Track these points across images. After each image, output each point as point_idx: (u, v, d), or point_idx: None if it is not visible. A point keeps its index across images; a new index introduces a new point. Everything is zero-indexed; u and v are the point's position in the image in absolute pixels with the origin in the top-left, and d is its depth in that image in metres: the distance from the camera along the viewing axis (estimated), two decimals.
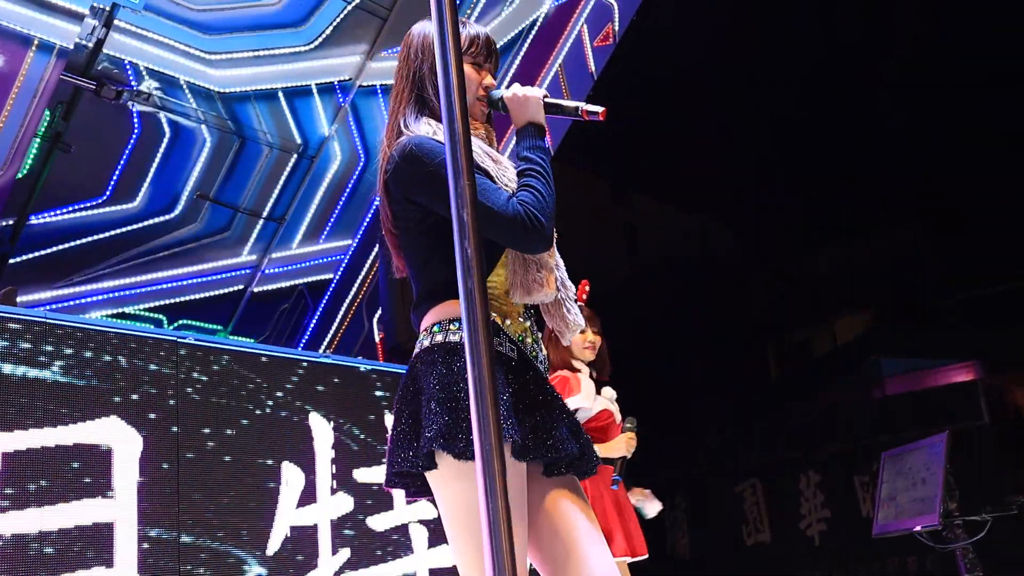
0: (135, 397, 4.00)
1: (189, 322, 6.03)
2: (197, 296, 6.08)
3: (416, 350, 2.08)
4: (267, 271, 6.44)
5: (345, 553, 4.49)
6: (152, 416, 4.03)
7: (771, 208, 12.38)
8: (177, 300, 5.95)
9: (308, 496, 4.41)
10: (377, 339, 6.47)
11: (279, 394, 4.48)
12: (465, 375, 1.94)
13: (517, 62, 7.07)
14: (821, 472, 9.30)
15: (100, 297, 5.65)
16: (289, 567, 4.23)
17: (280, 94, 6.00)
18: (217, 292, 6.22)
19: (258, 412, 4.39)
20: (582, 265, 4.13)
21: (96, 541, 3.72)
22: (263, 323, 6.56)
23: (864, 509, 8.72)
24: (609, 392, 4.07)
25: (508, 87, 2.22)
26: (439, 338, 2.02)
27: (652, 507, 4.19)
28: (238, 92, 5.86)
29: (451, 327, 2.02)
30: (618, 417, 4.03)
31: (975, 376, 10.14)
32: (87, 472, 3.78)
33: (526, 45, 7.01)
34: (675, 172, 11.92)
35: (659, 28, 8.60)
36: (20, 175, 5.14)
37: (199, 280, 6.10)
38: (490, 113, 2.28)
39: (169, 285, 5.96)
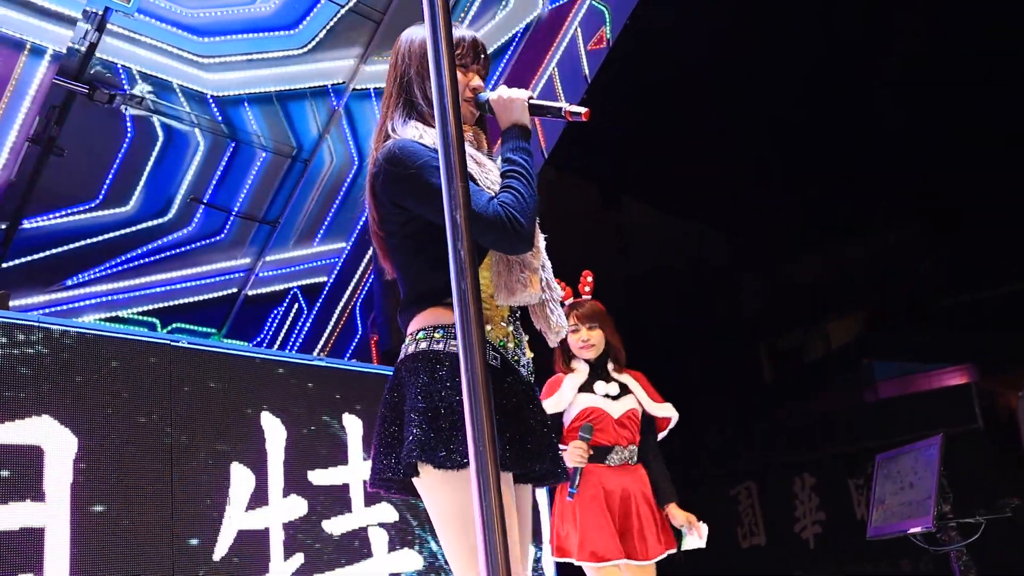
0: (127, 398, 3.99)
1: (183, 325, 6.02)
2: (191, 299, 6.07)
3: (401, 355, 2.09)
4: (261, 274, 6.43)
5: (298, 558, 4.37)
6: (143, 420, 4.02)
7: (764, 211, 12.40)
8: (171, 304, 5.94)
9: (259, 498, 4.27)
10: (372, 342, 6.46)
11: (271, 397, 4.47)
12: (447, 383, 1.98)
13: (511, 65, 7.07)
14: (816, 475, 9.31)
15: (93, 301, 5.64)
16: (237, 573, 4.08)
17: (274, 97, 5.99)
18: (211, 295, 6.21)
19: (249, 411, 4.38)
20: (575, 269, 4.11)
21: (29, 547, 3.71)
22: (257, 326, 6.54)
23: (859, 512, 8.73)
24: (601, 387, 3.85)
25: (495, 89, 2.23)
26: (423, 345, 2.04)
27: (693, 542, 4.00)
28: (231, 95, 5.85)
29: (435, 334, 2.04)
30: (615, 411, 3.83)
31: (969, 379, 10.16)
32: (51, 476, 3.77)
33: (520, 48, 7.01)
34: (668, 175, 11.92)
35: (653, 31, 8.61)
36: (13, 179, 5.12)
37: (193, 283, 6.09)
38: (482, 115, 2.28)
39: (162, 288, 5.94)
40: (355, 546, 4.59)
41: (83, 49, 5.18)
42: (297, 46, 5.93)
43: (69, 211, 5.55)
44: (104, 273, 5.75)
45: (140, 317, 5.84)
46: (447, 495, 1.96)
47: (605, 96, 8.23)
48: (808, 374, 12.54)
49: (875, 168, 11.41)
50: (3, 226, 5.31)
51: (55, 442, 3.71)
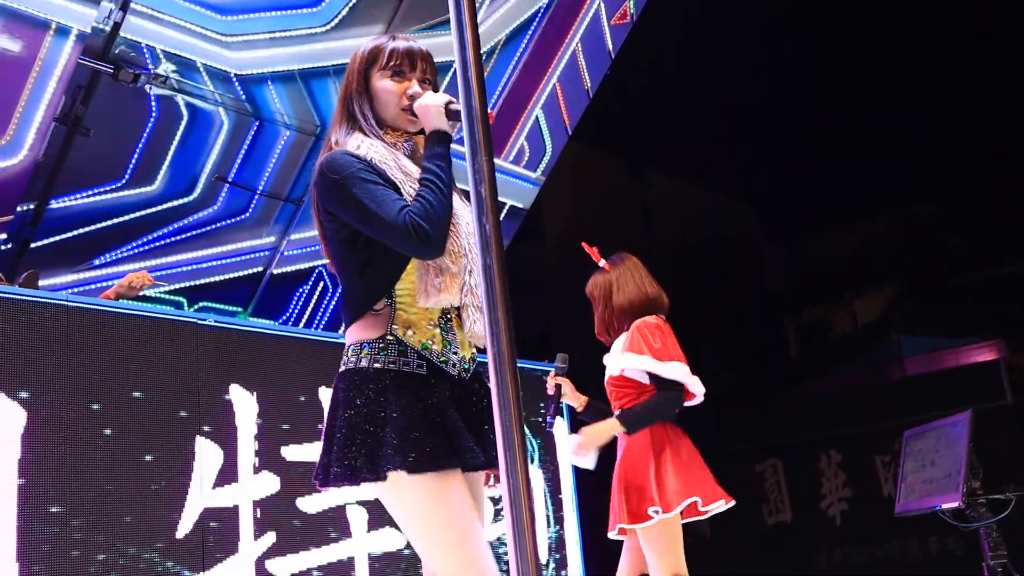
0: (155, 378, 4.03)
1: (209, 304, 6.05)
2: (216, 278, 6.10)
3: (340, 368, 2.21)
4: (286, 253, 6.45)
5: (270, 537, 4.22)
6: (171, 398, 4.06)
7: (791, 184, 12.30)
8: (197, 283, 5.97)
9: (228, 475, 4.11)
10: None
11: (298, 374, 4.49)
12: (373, 400, 2.12)
13: (534, 41, 7.03)
14: (842, 451, 9.26)
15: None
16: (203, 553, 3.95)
17: (297, 75, 5.99)
18: (236, 274, 6.24)
19: (274, 391, 4.40)
20: (599, 243, 4.09)
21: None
22: (283, 305, 6.57)
23: (886, 489, 8.68)
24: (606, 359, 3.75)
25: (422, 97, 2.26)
26: (352, 363, 2.17)
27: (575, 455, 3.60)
28: (255, 74, 5.85)
29: (363, 351, 2.16)
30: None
31: (998, 355, 10.06)
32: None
33: (543, 24, 6.97)
34: (693, 149, 11.85)
35: (676, 3, 8.53)
36: (40, 159, 5.15)
37: (218, 262, 6.12)
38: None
39: (189, 268, 5.97)
40: (332, 525, 4.42)
41: (107, 29, 5.20)
42: (320, 24, 5.92)
43: (96, 191, 5.59)
44: (131, 252, 5.78)
45: (167, 296, 5.88)
46: (400, 499, 2.12)
47: (630, 70, 8.17)
48: (835, 350, 12.47)
49: (904, 141, 11.28)
50: (31, 206, 5.35)
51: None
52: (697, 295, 12.83)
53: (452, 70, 6.53)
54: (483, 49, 3.68)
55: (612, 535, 3.64)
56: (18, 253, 5.31)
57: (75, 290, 5.43)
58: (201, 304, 6.01)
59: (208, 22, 5.55)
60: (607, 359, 3.80)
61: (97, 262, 5.66)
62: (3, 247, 5.24)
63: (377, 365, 2.13)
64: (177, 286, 5.92)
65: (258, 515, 4.18)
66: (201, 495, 4.03)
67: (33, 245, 5.37)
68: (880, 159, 11.52)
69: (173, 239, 5.91)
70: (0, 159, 4.94)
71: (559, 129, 7.51)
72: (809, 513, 9.40)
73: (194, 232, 5.98)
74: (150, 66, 5.46)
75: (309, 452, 4.40)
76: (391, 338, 2.16)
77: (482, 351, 2.16)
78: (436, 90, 2.33)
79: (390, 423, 2.09)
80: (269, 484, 4.27)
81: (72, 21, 4.86)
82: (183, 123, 5.75)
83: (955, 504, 4.31)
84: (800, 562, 9.31)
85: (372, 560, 4.52)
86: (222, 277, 6.16)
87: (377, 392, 2.11)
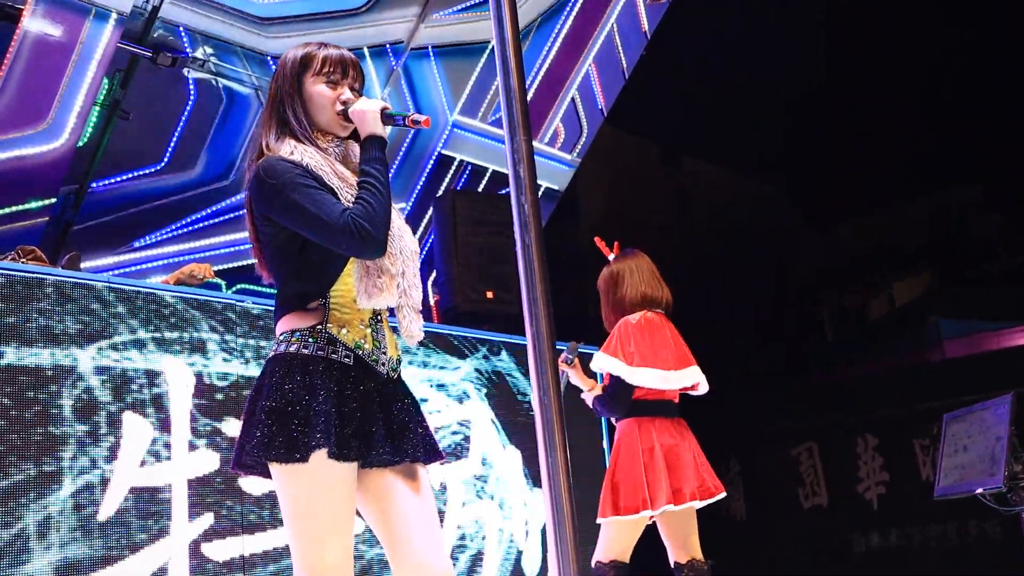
0: (195, 359, 4.08)
1: (248, 286, 6.11)
2: (255, 261, 6.15)
3: (269, 354, 2.27)
4: None
5: (207, 519, 4.00)
6: (215, 381, 4.11)
7: (827, 167, 12.17)
8: (235, 264, 6.02)
9: (160, 452, 3.91)
10: (432, 301, 6.50)
11: None
12: (297, 382, 2.16)
13: (570, 22, 7.00)
14: (879, 435, 9.19)
15: (161, 262, 5.74)
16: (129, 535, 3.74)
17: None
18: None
19: None
20: (635, 229, 4.10)
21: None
22: None
23: (924, 473, 8.61)
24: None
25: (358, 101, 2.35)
26: (282, 348, 2.22)
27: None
28: None
29: (292, 339, 2.21)
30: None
31: None
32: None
33: (579, 5, 6.93)
34: (729, 133, 11.75)
35: None
36: (81, 143, 5.22)
37: None
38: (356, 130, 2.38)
39: (228, 250, 6.03)
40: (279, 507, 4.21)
41: (146, 13, 5.24)
42: (355, 5, 5.93)
43: (136, 174, 5.65)
44: (170, 235, 5.84)
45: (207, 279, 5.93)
46: (287, 485, 2.15)
47: (665, 52, 8.11)
48: (872, 333, 12.35)
49: (942, 123, 11.12)
50: (73, 189, 5.42)
51: None
52: (732, 280, 12.76)
53: (489, 49, 6.53)
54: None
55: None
56: (60, 235, 5.38)
57: (116, 272, 5.50)
58: (239, 286, 6.07)
59: (245, 5, 5.58)
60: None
61: (137, 244, 5.73)
62: (46, 229, 5.32)
63: (306, 351, 2.19)
64: (216, 268, 5.98)
65: (193, 495, 3.95)
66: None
67: (75, 228, 5.44)
68: (919, 142, 11.36)
69: (212, 221, 5.97)
70: (42, 143, 5.01)
71: (594, 111, 7.49)
72: (846, 497, 9.34)
73: (232, 215, 6.03)
74: (188, 50, 5.50)
75: None
76: (322, 328, 2.21)
77: (407, 351, 2.30)
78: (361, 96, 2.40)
79: (311, 408, 2.14)
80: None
81: (111, 5, 4.91)
82: (221, 106, 5.79)
83: (996, 487, 4.27)
84: (836, 545, 9.27)
85: None
86: None
87: (304, 377, 2.17)
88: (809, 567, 9.18)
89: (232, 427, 4.10)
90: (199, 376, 4.10)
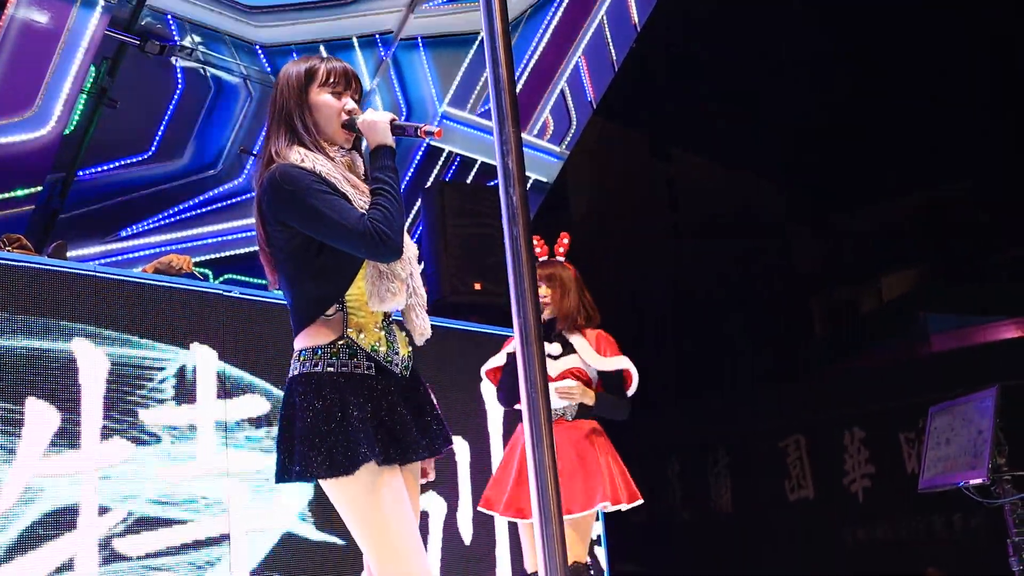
0: (183, 350, 4.06)
1: (234, 276, 6.09)
2: (242, 251, 6.13)
3: (291, 372, 2.34)
4: None
5: (119, 513, 3.73)
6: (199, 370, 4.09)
7: (817, 163, 12.19)
8: (222, 255, 6.00)
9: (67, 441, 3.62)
10: None
11: None
12: (335, 402, 2.25)
13: (559, 14, 6.98)
14: (866, 428, 9.23)
15: (148, 252, 5.72)
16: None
17: (322, 47, 5.98)
18: None
19: None
20: (623, 222, 4.10)
21: None
22: None
23: (909, 466, 8.65)
24: (553, 349, 3.88)
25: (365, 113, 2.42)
26: (306, 368, 2.30)
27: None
28: (280, 46, 5.85)
29: (315, 357, 2.30)
30: (552, 370, 3.84)
31: None
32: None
33: None
34: (718, 126, 11.76)
35: None
36: (67, 131, 5.19)
37: (243, 235, 6.15)
38: (357, 139, 2.46)
39: (214, 240, 6.01)
40: (204, 498, 3.96)
41: (134, 0, 5.21)
42: None
43: (123, 163, 5.62)
44: (157, 224, 5.82)
45: (193, 268, 5.91)
46: (340, 496, 2.27)
47: (654, 44, 8.11)
48: (861, 327, 12.40)
49: (931, 119, 11.15)
50: (59, 177, 5.39)
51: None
52: (722, 273, 12.78)
53: (479, 40, 6.51)
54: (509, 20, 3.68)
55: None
56: (46, 224, 5.36)
57: (103, 261, 5.48)
58: (226, 276, 6.05)
59: None
60: (557, 348, 3.91)
61: (124, 233, 5.70)
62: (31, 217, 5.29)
63: (331, 369, 2.27)
64: (203, 258, 5.96)
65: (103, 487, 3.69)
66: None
67: (61, 216, 5.42)
68: (908, 137, 11.39)
69: (199, 211, 5.95)
70: (28, 130, 4.98)
71: (583, 103, 7.48)
72: (831, 489, 9.39)
73: (220, 204, 6.00)
74: (176, 38, 5.47)
75: None
76: (343, 342, 2.29)
77: (413, 347, 2.44)
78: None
79: (348, 423, 2.23)
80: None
81: None
82: (209, 95, 5.76)
83: (980, 480, 4.29)
84: (822, 538, 9.31)
85: (252, 537, 4.04)
86: (247, 250, 6.19)
87: (334, 395, 2.25)
88: (795, 559, 9.23)
89: (151, 415, 3.89)
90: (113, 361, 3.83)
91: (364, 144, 2.45)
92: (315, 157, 2.32)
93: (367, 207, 2.30)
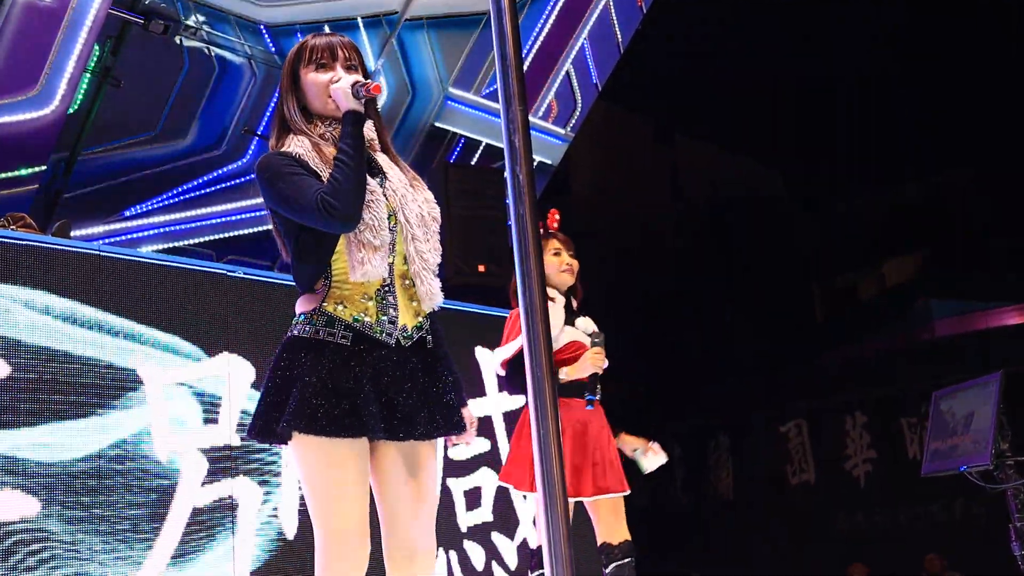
0: (188, 329, 4.07)
1: (238, 257, 6.09)
2: (246, 231, 6.12)
3: (288, 334, 2.37)
4: None
5: None
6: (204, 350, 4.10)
7: (820, 148, 12.17)
8: (226, 235, 6.00)
9: None
10: None
11: None
12: (295, 365, 2.27)
13: None
14: (868, 413, 9.25)
15: (152, 232, 5.72)
16: None
17: (326, 27, 5.96)
18: (265, 228, 6.26)
19: None
20: (627, 206, 4.08)
21: None
22: None
23: (911, 451, 8.68)
24: (584, 323, 3.71)
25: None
26: (291, 332, 2.34)
27: (653, 461, 3.82)
28: (284, 26, 5.83)
29: (299, 321, 2.34)
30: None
31: None
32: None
33: None
34: (722, 112, 11.73)
35: None
36: (71, 110, 5.18)
37: (247, 216, 6.14)
38: (372, 109, 2.47)
39: (219, 220, 6.00)
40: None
41: None
42: None
43: (126, 142, 5.61)
44: (161, 204, 5.81)
45: (197, 248, 5.91)
46: (296, 463, 2.29)
47: (659, 29, 8.08)
48: (862, 313, 12.41)
49: (934, 105, 11.12)
50: (63, 156, 5.38)
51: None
52: (725, 258, 12.78)
53: (484, 21, 6.48)
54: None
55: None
56: (50, 203, 5.35)
57: (106, 240, 5.48)
58: (230, 257, 6.05)
59: None
60: (590, 324, 3.75)
61: (128, 213, 5.70)
62: (35, 196, 5.29)
63: (304, 335, 2.30)
64: (207, 239, 5.96)
65: None
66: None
67: (65, 195, 5.41)
68: (912, 124, 11.36)
69: (203, 191, 5.94)
70: (31, 109, 4.97)
71: (588, 85, 7.46)
72: (833, 474, 9.41)
73: (223, 185, 6.00)
74: (180, 17, 5.45)
75: None
76: (319, 312, 2.31)
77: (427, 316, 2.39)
78: (365, 74, 2.46)
79: (296, 388, 2.24)
80: None
81: None
82: (213, 75, 5.74)
83: (983, 465, 4.29)
84: (823, 522, 9.34)
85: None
86: (251, 230, 6.19)
87: (296, 358, 2.28)
88: (796, 543, 9.25)
89: None
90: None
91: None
92: (298, 140, 2.36)
93: None
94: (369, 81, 2.38)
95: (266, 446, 3.94)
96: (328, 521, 2.26)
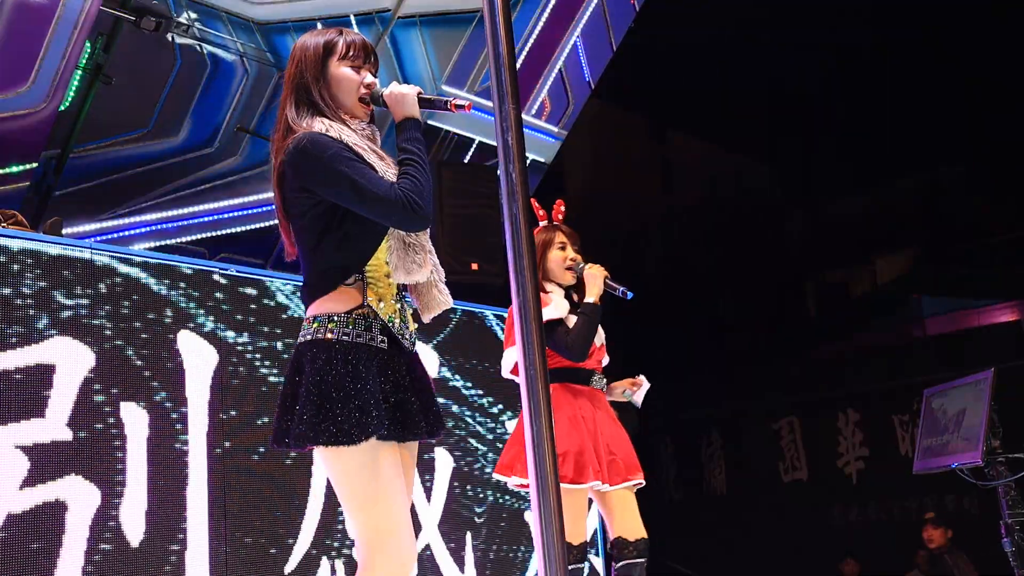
0: (178, 326, 4.06)
1: (230, 255, 6.07)
2: (238, 229, 6.11)
3: (302, 337, 2.31)
4: None
5: None
6: (193, 347, 4.09)
7: (812, 145, 12.19)
8: (218, 233, 5.98)
9: None
10: None
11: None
12: (339, 369, 2.23)
13: None
14: (860, 410, 9.27)
15: (144, 229, 5.70)
16: None
17: (319, 24, 5.94)
18: (257, 225, 6.25)
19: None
20: (620, 202, 4.07)
21: None
22: None
23: (903, 448, 8.70)
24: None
25: (389, 86, 2.41)
26: (320, 334, 2.26)
27: (641, 393, 3.82)
28: (277, 23, 5.82)
29: (329, 324, 2.27)
30: (597, 339, 3.65)
31: (1018, 316, 10.01)
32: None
33: None
34: (715, 109, 11.74)
35: None
36: (63, 107, 5.16)
37: (240, 213, 6.13)
38: (372, 113, 2.46)
39: (211, 218, 5.99)
40: None
41: None
42: None
43: (118, 139, 5.59)
44: (153, 202, 5.79)
45: (189, 246, 5.90)
46: (336, 466, 2.25)
47: (653, 26, 8.08)
48: (854, 310, 12.44)
49: (926, 102, 11.15)
50: (55, 154, 5.36)
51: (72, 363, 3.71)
52: (716, 255, 12.79)
53: (477, 19, 6.48)
54: None
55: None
56: (42, 200, 5.33)
57: (98, 238, 5.46)
58: (222, 255, 6.04)
59: None
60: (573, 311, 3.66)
61: (120, 211, 5.68)
62: (26, 194, 5.27)
63: (346, 338, 2.24)
64: (199, 236, 5.94)
65: None
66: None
67: (56, 193, 5.39)
68: (904, 121, 11.39)
69: (195, 189, 5.92)
70: (22, 106, 4.94)
71: (581, 83, 7.45)
72: (825, 471, 9.44)
73: (216, 183, 5.98)
74: (172, 14, 5.43)
75: None
76: (361, 311, 2.27)
77: (418, 321, 2.44)
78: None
79: (360, 393, 2.21)
80: None
81: None
82: (206, 73, 5.72)
83: (975, 462, 4.30)
84: (815, 519, 9.36)
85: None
86: (243, 228, 6.17)
87: (347, 363, 2.23)
88: (788, 540, 9.28)
89: None
90: None
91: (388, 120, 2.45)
92: (341, 128, 2.31)
93: (393, 178, 2.29)
94: (457, 99, 2.37)
95: None
96: (385, 521, 2.22)
